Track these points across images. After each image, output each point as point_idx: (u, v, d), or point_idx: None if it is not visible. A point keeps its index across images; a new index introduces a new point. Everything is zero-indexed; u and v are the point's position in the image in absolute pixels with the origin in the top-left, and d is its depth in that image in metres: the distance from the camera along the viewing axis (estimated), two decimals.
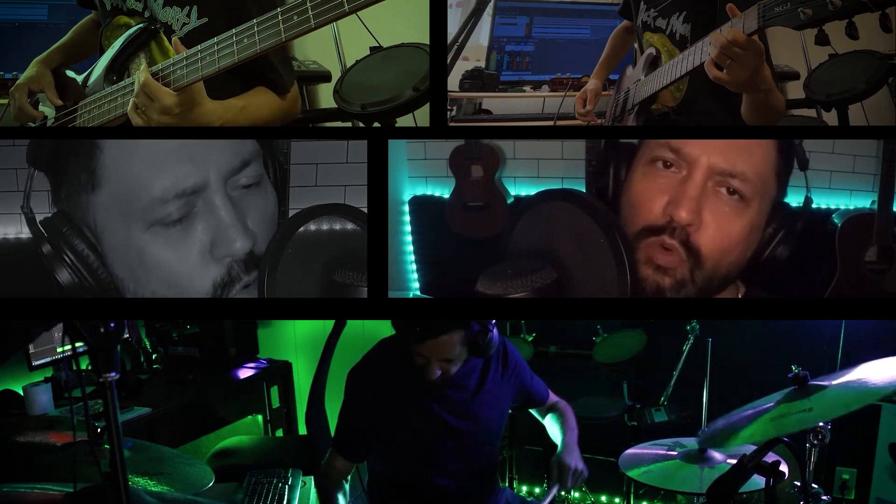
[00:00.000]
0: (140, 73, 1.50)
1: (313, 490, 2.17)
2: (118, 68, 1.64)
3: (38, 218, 1.58)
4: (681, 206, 1.46)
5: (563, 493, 1.79)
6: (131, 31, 1.63)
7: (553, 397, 2.12)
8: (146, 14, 1.66)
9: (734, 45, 1.43)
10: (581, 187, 2.08)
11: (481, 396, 1.90)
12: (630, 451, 2.07)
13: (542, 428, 2.12)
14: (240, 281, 1.56)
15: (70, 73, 1.75)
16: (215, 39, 1.48)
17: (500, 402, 1.96)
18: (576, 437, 1.96)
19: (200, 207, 1.52)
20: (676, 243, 1.47)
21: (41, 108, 1.74)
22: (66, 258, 1.54)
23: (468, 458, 1.91)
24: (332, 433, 1.94)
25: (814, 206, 1.69)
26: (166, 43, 1.61)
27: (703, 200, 1.46)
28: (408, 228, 2.63)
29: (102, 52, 1.68)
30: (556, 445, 1.96)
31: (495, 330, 1.79)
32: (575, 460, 1.85)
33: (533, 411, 2.14)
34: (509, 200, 2.42)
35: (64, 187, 1.57)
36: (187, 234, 1.52)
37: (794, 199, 1.60)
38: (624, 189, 1.60)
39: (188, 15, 1.63)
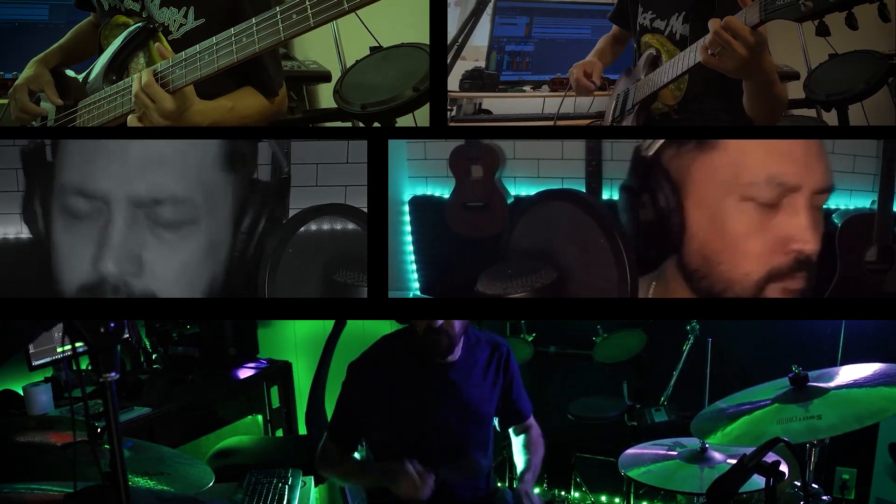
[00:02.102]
0: (143, 73, 1.51)
1: (313, 490, 2.17)
2: (117, 68, 1.64)
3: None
4: (806, 240, 1.35)
5: None
6: (130, 30, 1.63)
7: (532, 420, 2.12)
8: (144, 14, 1.66)
9: (726, 32, 1.43)
10: (581, 187, 2.09)
11: (479, 393, 1.92)
12: (630, 451, 2.08)
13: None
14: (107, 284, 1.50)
15: (70, 73, 1.75)
16: (214, 39, 1.48)
17: (492, 403, 1.99)
18: (534, 477, 2.02)
19: (107, 216, 1.49)
20: (805, 274, 1.37)
21: (42, 106, 1.74)
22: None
23: (465, 454, 1.93)
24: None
25: None
26: (165, 42, 1.61)
27: (816, 222, 1.38)
28: (408, 228, 2.64)
29: (101, 51, 1.68)
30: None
31: None
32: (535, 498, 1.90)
33: (511, 430, 2.12)
34: (509, 200, 2.42)
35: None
36: (85, 234, 1.51)
37: None
38: (704, 226, 1.42)
39: (185, 15, 1.63)
